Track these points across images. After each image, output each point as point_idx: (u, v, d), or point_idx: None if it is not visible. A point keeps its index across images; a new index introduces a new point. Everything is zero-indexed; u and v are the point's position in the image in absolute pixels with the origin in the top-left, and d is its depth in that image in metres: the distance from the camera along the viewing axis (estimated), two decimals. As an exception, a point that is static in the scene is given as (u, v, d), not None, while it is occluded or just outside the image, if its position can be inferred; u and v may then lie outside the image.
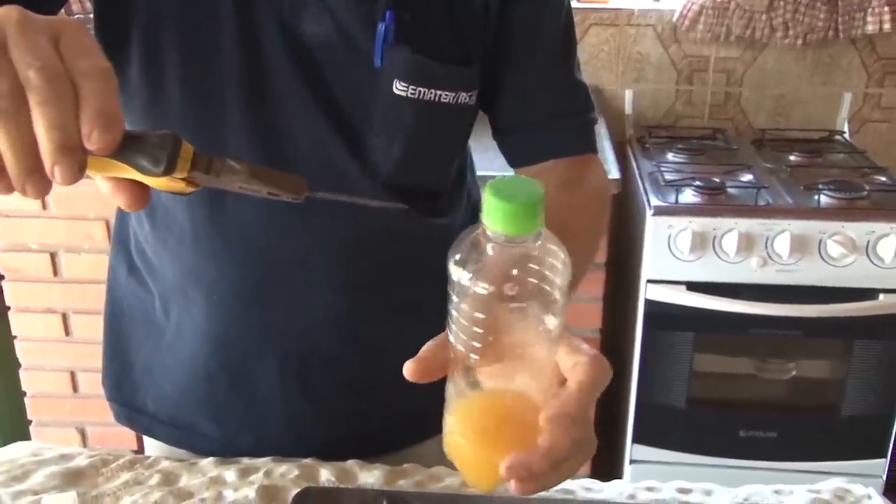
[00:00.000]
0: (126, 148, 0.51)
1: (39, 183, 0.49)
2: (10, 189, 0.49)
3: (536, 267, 0.51)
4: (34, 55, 0.48)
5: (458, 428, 0.56)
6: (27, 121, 0.48)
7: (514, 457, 0.52)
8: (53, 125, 0.47)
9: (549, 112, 0.94)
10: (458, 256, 0.51)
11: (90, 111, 0.48)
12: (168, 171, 0.52)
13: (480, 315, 0.51)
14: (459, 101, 0.86)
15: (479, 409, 0.56)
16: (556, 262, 0.51)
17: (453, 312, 0.53)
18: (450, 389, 0.56)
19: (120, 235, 1.01)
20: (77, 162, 0.48)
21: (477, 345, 0.52)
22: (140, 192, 0.54)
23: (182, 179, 0.54)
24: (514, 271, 0.50)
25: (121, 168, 0.52)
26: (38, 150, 0.48)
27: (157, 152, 0.52)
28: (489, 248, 0.50)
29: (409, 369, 0.56)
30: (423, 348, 0.57)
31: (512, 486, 0.53)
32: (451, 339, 0.54)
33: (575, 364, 0.55)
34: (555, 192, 0.88)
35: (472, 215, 0.89)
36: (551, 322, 0.53)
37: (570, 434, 0.53)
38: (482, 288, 0.50)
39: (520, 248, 0.50)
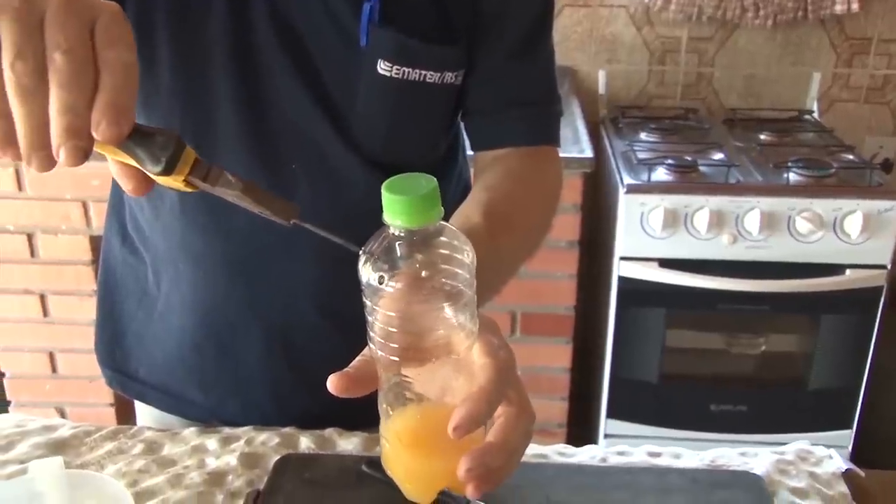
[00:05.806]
0: (132, 141, 0.53)
1: (45, 159, 0.50)
2: (19, 158, 0.51)
3: (443, 252, 0.53)
4: (64, 36, 0.50)
5: (398, 440, 0.56)
6: (44, 99, 0.49)
7: (471, 457, 0.52)
8: (66, 109, 0.49)
9: (511, 98, 0.93)
10: (365, 259, 0.53)
11: (103, 102, 0.50)
12: (166, 173, 0.54)
13: (393, 313, 0.53)
14: (445, 80, 0.87)
15: (415, 420, 0.56)
16: (461, 255, 0.53)
17: (369, 318, 0.54)
18: (382, 405, 0.57)
19: (115, 205, 1.03)
20: (82, 147, 0.50)
21: (395, 346, 0.53)
22: (144, 181, 0.56)
23: (182, 181, 0.56)
24: (420, 262, 0.52)
25: (125, 157, 0.55)
26: (49, 129, 0.50)
27: (159, 152, 0.54)
28: (395, 246, 0.53)
29: (332, 383, 0.56)
30: (351, 364, 0.58)
31: (470, 491, 0.53)
32: (373, 346, 0.55)
33: (482, 365, 0.55)
34: (505, 181, 0.89)
35: (463, 195, 0.89)
36: (466, 317, 0.54)
37: (521, 425, 0.54)
38: (390, 285, 0.52)
39: (422, 240, 0.52)
